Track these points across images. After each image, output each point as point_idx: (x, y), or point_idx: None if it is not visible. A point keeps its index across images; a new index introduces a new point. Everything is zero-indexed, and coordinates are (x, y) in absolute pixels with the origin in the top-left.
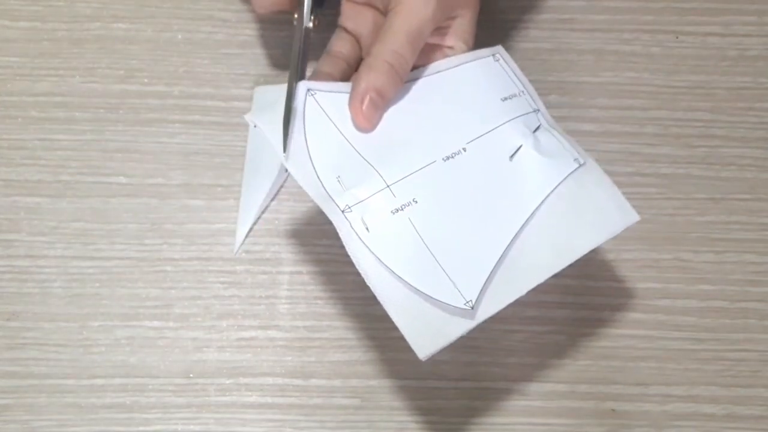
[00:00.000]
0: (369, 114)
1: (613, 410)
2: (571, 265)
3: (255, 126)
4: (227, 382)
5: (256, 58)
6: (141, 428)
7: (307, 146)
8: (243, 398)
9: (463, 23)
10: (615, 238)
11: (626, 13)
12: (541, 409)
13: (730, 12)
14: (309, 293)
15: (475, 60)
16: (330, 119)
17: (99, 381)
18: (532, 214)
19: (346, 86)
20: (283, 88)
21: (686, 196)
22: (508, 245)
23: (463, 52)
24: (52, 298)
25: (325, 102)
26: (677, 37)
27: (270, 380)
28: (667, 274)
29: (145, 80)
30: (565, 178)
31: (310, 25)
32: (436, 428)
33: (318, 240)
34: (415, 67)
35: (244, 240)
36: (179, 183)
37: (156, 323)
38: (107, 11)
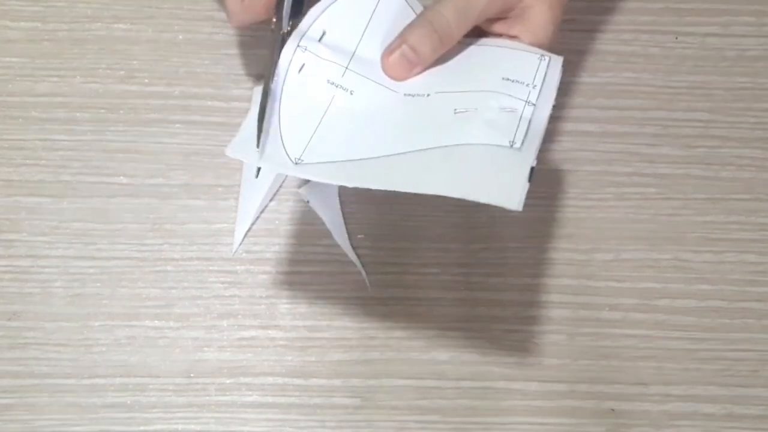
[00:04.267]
0: (396, 65)
1: (613, 410)
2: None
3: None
4: (228, 381)
5: (256, 58)
6: (142, 428)
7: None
8: (243, 398)
9: (535, 14)
10: (615, 238)
11: (626, 14)
12: (540, 409)
13: (729, 12)
14: (309, 293)
15: (520, 50)
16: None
17: (100, 380)
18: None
19: None
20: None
21: (685, 196)
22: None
23: (533, 34)
24: (53, 297)
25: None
26: (676, 38)
27: (270, 380)
28: (666, 274)
29: (146, 81)
30: (486, 145)
31: (288, 29)
32: (436, 428)
33: (318, 240)
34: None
35: (243, 240)
36: (180, 183)
37: (157, 323)
38: (108, 12)
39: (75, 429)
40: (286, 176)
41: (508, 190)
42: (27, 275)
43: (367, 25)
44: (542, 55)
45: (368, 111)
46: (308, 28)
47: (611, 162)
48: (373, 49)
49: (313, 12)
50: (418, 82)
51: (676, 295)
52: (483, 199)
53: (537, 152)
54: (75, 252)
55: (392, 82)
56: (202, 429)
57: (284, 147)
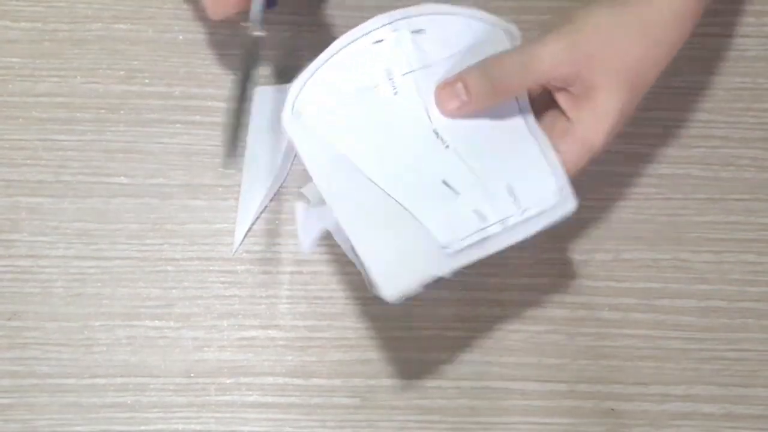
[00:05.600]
0: (446, 99)
1: (613, 410)
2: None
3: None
4: (228, 381)
5: None
6: (142, 427)
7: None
8: (244, 398)
9: (599, 99)
10: (614, 238)
11: None
12: (540, 409)
13: (729, 13)
14: (309, 293)
15: (547, 166)
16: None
17: (100, 380)
18: None
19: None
20: (283, 88)
21: (685, 196)
22: None
23: (587, 131)
24: (54, 297)
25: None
26: None
27: (270, 380)
28: (666, 273)
29: (146, 81)
30: (426, 230)
31: (261, 34)
32: (436, 428)
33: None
34: None
35: (243, 240)
36: (180, 183)
37: (157, 323)
38: (108, 12)
39: (75, 429)
40: (286, 176)
41: (395, 281)
42: (27, 275)
43: (461, 49)
44: (561, 189)
45: (393, 119)
46: (414, 16)
47: (611, 162)
48: (447, 71)
49: (426, 8)
50: (451, 127)
51: (675, 295)
52: (371, 275)
53: (459, 268)
54: (75, 252)
55: (434, 111)
56: (203, 429)
57: (300, 90)
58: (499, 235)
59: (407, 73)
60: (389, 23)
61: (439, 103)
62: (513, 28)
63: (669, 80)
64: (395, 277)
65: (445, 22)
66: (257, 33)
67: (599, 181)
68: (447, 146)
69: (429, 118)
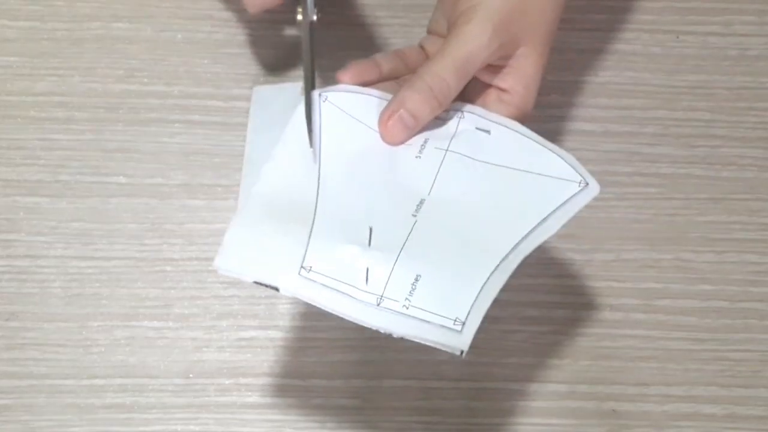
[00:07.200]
0: (394, 130)
1: (614, 410)
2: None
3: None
4: (227, 382)
5: (256, 57)
6: (141, 428)
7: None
8: (243, 398)
9: (525, 65)
10: (616, 238)
11: (626, 13)
12: (541, 410)
13: (730, 12)
14: None
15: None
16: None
17: (98, 381)
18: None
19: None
20: (283, 87)
21: (687, 196)
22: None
23: (521, 97)
24: (52, 298)
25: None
26: (678, 37)
27: (270, 380)
28: (667, 274)
29: (145, 80)
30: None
31: (315, 18)
32: (436, 428)
33: None
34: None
35: None
36: (179, 183)
37: (156, 323)
38: (107, 11)
39: (74, 430)
40: None
41: (234, 259)
42: (25, 275)
43: (511, 165)
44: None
45: (399, 169)
46: (487, 120)
47: (612, 161)
48: (479, 173)
49: (509, 123)
50: (442, 208)
51: (677, 296)
52: (225, 237)
53: (294, 295)
54: (74, 252)
55: (438, 188)
56: (202, 430)
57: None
58: (359, 304)
59: (441, 149)
60: (460, 110)
61: (387, 135)
62: (593, 185)
63: (669, 80)
64: (239, 257)
65: (513, 138)
66: (313, 17)
67: (599, 181)
68: (414, 216)
69: (429, 189)
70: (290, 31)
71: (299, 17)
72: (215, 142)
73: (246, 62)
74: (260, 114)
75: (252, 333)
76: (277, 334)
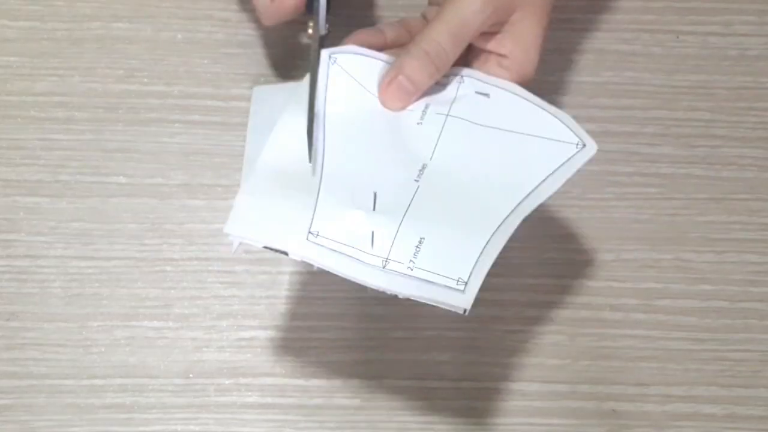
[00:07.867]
0: (393, 95)
1: (614, 410)
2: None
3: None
4: (227, 382)
5: (256, 57)
6: (140, 428)
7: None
8: (243, 398)
9: (522, 29)
10: (616, 238)
11: (626, 13)
12: (541, 410)
13: (730, 11)
14: (309, 293)
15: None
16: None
17: (98, 381)
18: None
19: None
20: (283, 87)
21: (687, 196)
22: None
23: (520, 62)
24: (52, 298)
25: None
26: (678, 37)
27: (270, 380)
28: (667, 274)
29: (145, 80)
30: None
31: (325, 32)
32: (436, 429)
33: None
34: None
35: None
36: (179, 183)
37: (156, 323)
38: (107, 11)
39: (74, 430)
40: None
41: (243, 225)
42: (25, 275)
43: (512, 128)
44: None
45: (401, 136)
46: (487, 83)
47: (612, 162)
48: (482, 137)
49: (509, 85)
50: (444, 171)
51: (677, 296)
52: (234, 205)
53: (304, 259)
54: (74, 252)
55: (440, 152)
56: (202, 430)
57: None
58: (366, 267)
59: (442, 114)
60: (459, 75)
61: (387, 101)
62: (591, 144)
63: (669, 80)
64: (248, 223)
65: (511, 101)
66: (323, 32)
67: (599, 181)
68: (416, 181)
69: (431, 155)
70: (290, 32)
71: (310, 31)
72: (215, 142)
73: (246, 62)
74: (260, 114)
75: (252, 333)
76: (277, 334)
